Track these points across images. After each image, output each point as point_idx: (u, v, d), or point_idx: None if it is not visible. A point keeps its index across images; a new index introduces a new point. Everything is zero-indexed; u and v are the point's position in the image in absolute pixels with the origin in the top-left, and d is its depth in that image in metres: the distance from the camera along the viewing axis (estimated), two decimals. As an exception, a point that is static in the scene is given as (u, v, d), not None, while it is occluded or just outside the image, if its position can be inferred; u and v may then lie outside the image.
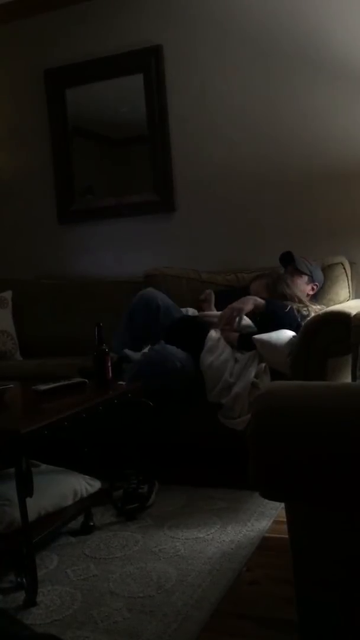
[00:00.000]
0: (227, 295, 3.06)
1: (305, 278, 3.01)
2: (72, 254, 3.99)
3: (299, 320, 2.72)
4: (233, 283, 3.36)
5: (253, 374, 2.64)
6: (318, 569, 1.21)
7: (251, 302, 2.83)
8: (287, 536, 1.28)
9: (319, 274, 3.06)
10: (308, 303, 2.86)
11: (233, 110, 3.52)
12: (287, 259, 3.06)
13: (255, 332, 2.75)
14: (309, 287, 3.04)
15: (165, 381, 2.68)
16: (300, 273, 3.00)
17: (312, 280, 3.02)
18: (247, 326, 2.83)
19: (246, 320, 2.83)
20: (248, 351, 2.73)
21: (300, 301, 2.85)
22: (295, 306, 2.79)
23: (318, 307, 2.85)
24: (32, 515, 1.97)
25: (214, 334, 2.81)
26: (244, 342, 2.76)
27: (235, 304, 2.84)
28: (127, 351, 2.88)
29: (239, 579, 1.97)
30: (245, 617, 1.77)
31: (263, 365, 2.66)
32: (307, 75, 3.34)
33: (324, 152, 3.34)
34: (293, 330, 2.68)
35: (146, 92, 3.68)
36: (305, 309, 2.78)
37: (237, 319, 2.80)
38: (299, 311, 2.77)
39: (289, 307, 2.77)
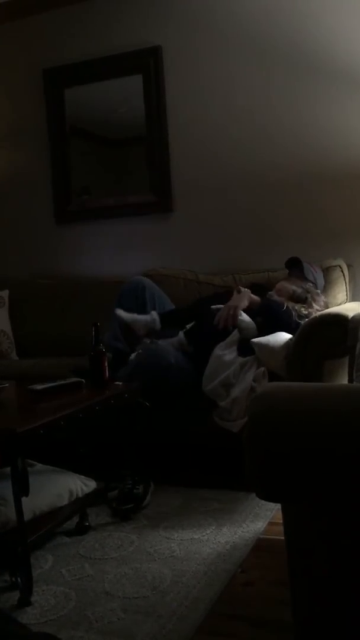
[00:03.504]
0: (223, 297, 3.06)
1: (310, 285, 3.01)
2: (69, 253, 3.99)
3: (297, 319, 2.72)
4: (230, 285, 3.36)
5: (252, 377, 2.64)
6: (313, 570, 1.21)
7: (246, 298, 2.86)
8: (282, 538, 1.28)
9: (321, 281, 3.06)
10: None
11: (231, 112, 3.52)
12: (293, 264, 3.06)
13: (255, 335, 2.75)
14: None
15: (159, 377, 2.69)
16: (306, 281, 3.00)
17: (315, 287, 3.02)
18: (246, 327, 2.82)
19: (245, 317, 2.83)
20: (248, 355, 2.73)
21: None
22: (291, 305, 2.80)
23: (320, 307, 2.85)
24: (27, 515, 1.97)
25: (236, 334, 2.83)
26: (244, 346, 2.76)
27: (231, 302, 2.86)
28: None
29: (234, 580, 1.97)
30: (240, 618, 1.77)
31: (262, 369, 2.66)
32: (307, 76, 3.34)
33: (322, 154, 3.35)
34: (291, 330, 2.69)
35: (145, 93, 3.68)
36: (305, 311, 2.78)
37: (234, 316, 2.80)
38: (295, 310, 2.77)
39: (285, 306, 2.79)
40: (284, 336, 2.66)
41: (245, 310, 2.86)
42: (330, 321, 2.48)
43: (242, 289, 2.98)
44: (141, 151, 3.75)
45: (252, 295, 2.89)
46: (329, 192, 3.35)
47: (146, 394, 2.55)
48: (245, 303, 2.85)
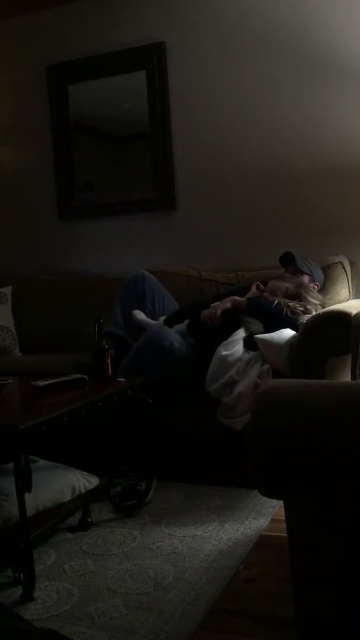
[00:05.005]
0: (237, 292, 3.07)
1: (307, 277, 3.01)
2: (72, 250, 3.99)
3: (290, 314, 2.71)
4: (233, 281, 3.36)
5: (256, 373, 2.64)
6: (316, 567, 1.21)
7: (229, 301, 2.88)
8: (284, 534, 1.28)
9: (319, 273, 3.07)
10: (317, 308, 2.83)
11: (235, 108, 3.52)
12: (288, 259, 3.07)
13: (261, 331, 2.75)
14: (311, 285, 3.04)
15: (162, 361, 2.70)
16: (302, 273, 3.00)
17: (312, 279, 3.03)
18: (251, 321, 2.82)
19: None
20: (254, 351, 2.72)
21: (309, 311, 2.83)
22: (285, 302, 2.78)
23: (318, 302, 2.85)
24: (30, 511, 1.97)
25: (242, 332, 2.82)
26: (249, 342, 2.76)
27: (218, 304, 2.89)
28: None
29: (236, 577, 1.97)
30: (242, 615, 1.78)
31: (266, 366, 2.65)
32: (311, 72, 3.34)
33: (326, 151, 3.35)
34: (288, 325, 2.68)
35: (148, 89, 3.68)
36: (303, 308, 2.78)
37: (213, 315, 2.85)
38: (288, 306, 2.75)
39: (275, 302, 2.78)
40: (287, 333, 2.66)
41: (234, 312, 2.86)
42: (333, 319, 2.48)
43: (261, 285, 2.98)
44: (145, 147, 3.74)
45: (237, 298, 2.90)
46: (333, 190, 3.34)
47: (148, 376, 2.58)
48: (227, 305, 2.87)
